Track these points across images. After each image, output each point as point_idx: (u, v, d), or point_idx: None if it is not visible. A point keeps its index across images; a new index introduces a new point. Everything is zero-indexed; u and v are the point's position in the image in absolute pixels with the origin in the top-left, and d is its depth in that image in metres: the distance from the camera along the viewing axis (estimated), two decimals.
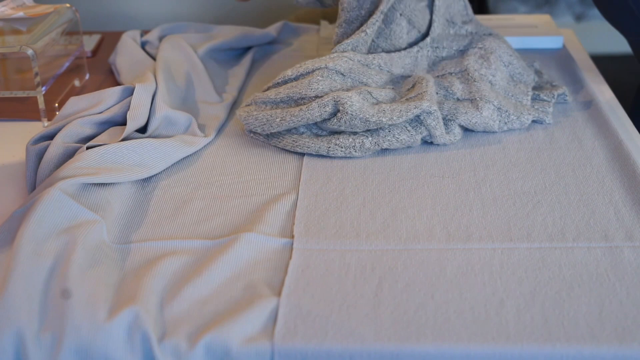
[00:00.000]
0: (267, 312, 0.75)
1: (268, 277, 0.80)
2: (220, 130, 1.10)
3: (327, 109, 0.99)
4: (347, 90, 1.03)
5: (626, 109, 1.15)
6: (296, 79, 1.06)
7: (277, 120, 1.00)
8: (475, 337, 0.72)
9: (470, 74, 1.08)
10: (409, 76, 1.11)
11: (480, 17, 1.46)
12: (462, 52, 1.15)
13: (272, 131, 1.02)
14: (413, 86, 1.07)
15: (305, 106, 0.99)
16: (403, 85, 1.09)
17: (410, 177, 0.97)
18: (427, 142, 1.04)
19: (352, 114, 0.97)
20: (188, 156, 1.02)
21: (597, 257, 0.82)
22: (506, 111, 1.05)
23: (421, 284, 0.79)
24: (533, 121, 1.09)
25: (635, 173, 0.95)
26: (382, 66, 1.10)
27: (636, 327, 0.73)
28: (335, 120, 0.99)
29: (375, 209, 0.91)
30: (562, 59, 1.31)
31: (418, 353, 0.72)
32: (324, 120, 1.01)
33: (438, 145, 1.03)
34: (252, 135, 1.06)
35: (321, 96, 1.01)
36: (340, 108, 0.98)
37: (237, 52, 1.35)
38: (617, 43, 1.46)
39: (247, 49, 1.36)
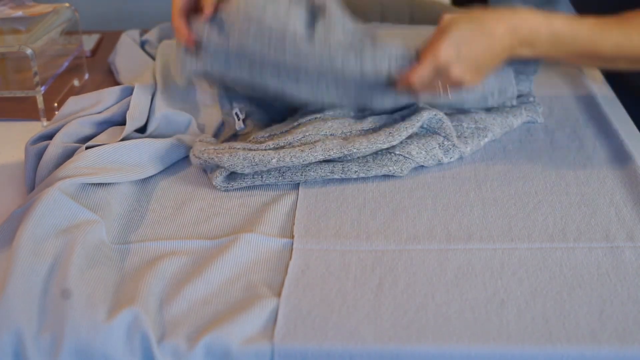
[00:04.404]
0: (267, 312, 0.75)
1: (268, 278, 0.80)
2: (220, 130, 1.10)
3: (332, 153, 0.94)
4: (345, 138, 0.97)
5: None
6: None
7: (273, 160, 0.92)
8: (476, 338, 0.72)
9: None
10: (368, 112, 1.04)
11: None
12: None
13: (263, 169, 0.94)
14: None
15: (309, 148, 0.93)
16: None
17: (410, 177, 0.96)
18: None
19: (364, 151, 0.94)
20: (188, 156, 1.02)
21: (598, 258, 0.82)
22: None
23: (422, 285, 0.78)
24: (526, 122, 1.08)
25: (636, 173, 0.95)
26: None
27: (637, 328, 0.72)
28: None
29: (376, 209, 0.90)
30: None
31: (418, 354, 0.71)
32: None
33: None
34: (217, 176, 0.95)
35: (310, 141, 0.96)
36: (346, 152, 0.94)
37: None
38: None
39: None
